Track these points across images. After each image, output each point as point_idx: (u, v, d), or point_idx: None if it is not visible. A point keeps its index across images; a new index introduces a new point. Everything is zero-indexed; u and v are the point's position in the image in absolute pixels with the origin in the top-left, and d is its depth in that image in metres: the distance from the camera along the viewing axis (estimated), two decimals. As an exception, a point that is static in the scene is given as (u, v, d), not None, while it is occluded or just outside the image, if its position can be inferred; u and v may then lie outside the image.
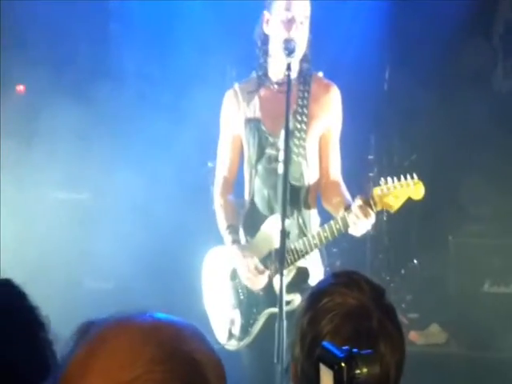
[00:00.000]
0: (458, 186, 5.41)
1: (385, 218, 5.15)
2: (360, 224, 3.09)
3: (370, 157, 5.64)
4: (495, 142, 5.61)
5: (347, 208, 3.16)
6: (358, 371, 1.25)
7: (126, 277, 5.23)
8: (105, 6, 6.18)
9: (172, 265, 5.17)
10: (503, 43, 6.41)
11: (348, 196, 3.35)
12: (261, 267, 3.33)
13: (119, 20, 6.16)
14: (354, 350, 1.28)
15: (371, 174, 5.56)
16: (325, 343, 1.31)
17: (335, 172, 3.46)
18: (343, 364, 1.24)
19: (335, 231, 3.16)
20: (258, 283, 3.35)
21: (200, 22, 5.87)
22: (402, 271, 5.54)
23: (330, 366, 1.26)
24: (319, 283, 1.74)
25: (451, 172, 5.59)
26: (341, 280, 1.66)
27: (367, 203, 3.10)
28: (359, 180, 5.42)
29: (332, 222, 3.17)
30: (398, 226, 5.42)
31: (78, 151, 5.48)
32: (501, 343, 4.88)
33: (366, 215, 3.07)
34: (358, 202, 3.11)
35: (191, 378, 1.04)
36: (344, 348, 1.28)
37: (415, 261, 5.59)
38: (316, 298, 1.64)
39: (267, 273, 3.32)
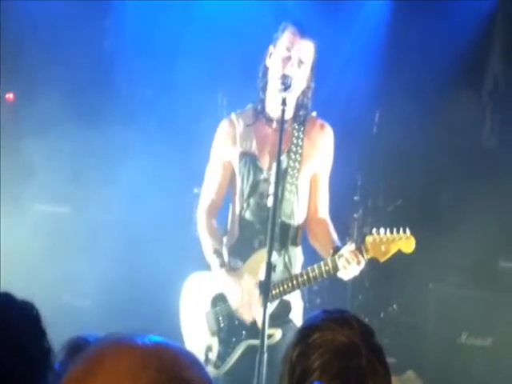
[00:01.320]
0: (442, 234, 5.43)
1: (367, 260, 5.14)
2: (350, 269, 3.12)
3: (356, 198, 5.66)
4: (480, 196, 5.65)
5: (337, 250, 3.19)
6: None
7: (104, 294, 5.15)
8: (101, 24, 6.18)
9: (150, 286, 5.11)
10: (492, 100, 6.52)
11: (335, 236, 3.39)
12: (254, 292, 3.28)
13: (114, 39, 6.17)
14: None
15: (356, 215, 5.59)
16: (316, 383, 1.31)
17: (324, 210, 3.50)
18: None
19: (324, 272, 3.19)
20: (250, 310, 3.31)
21: (194, 49, 5.91)
22: (381, 314, 5.52)
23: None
24: (310, 319, 1.73)
25: (436, 221, 5.61)
26: (332, 317, 1.66)
27: (359, 250, 3.11)
28: (344, 220, 5.43)
29: (322, 263, 3.19)
30: (379, 268, 5.40)
31: (64, 165, 5.41)
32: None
33: (358, 262, 3.12)
34: (351, 247, 3.12)
35: None
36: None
37: (394, 305, 5.58)
38: (306, 332, 1.64)
39: (258, 300, 3.27)
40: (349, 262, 3.11)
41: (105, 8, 6.12)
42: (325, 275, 3.19)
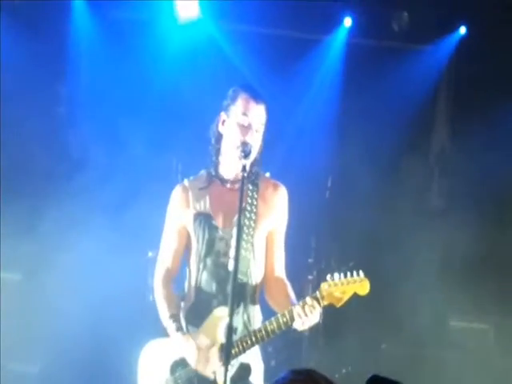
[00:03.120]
0: (393, 295, 5.52)
1: (321, 321, 5.18)
2: (305, 318, 3.17)
3: (310, 260, 5.74)
4: (429, 256, 5.80)
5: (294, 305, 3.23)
6: None
7: (54, 361, 5.04)
8: (55, 90, 6.22)
9: (106, 353, 5.02)
10: (439, 163, 6.75)
11: (293, 295, 3.41)
12: (210, 344, 3.26)
13: (68, 105, 6.22)
14: None
15: (310, 277, 5.65)
16: None
17: (280, 269, 3.51)
18: None
19: (282, 324, 3.20)
20: (209, 366, 3.28)
21: (147, 116, 5.99)
22: (336, 375, 5.53)
23: None
24: (279, 380, 1.71)
25: (387, 282, 5.69)
26: (301, 378, 1.66)
27: (314, 298, 3.17)
28: (299, 281, 5.49)
29: (279, 315, 3.22)
30: (333, 329, 5.45)
31: (17, 231, 5.36)
32: None
33: (312, 310, 3.17)
34: (307, 298, 3.18)
35: None
36: None
37: (349, 367, 5.59)
38: None
39: (217, 354, 3.27)
40: (304, 311, 3.15)
41: (59, 74, 6.19)
42: (283, 327, 3.19)
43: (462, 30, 6.64)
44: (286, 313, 3.20)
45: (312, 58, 6.56)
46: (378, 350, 5.32)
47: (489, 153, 6.03)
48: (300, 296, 5.40)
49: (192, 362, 3.31)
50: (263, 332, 3.23)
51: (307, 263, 5.74)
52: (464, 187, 6.17)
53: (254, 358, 3.35)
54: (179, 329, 3.34)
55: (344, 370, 5.60)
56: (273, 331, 3.22)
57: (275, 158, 3.63)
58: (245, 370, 3.30)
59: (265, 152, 3.51)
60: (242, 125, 3.38)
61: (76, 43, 6.21)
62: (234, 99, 3.43)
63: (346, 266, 5.91)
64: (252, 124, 3.38)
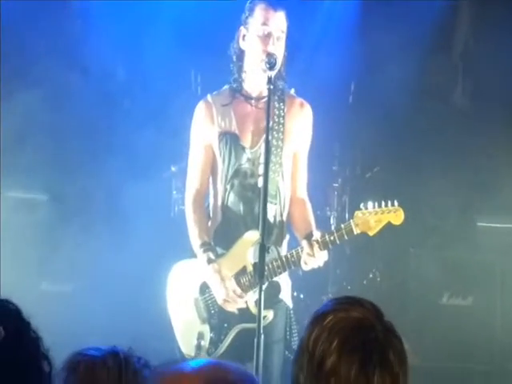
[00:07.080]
0: (420, 198, 5.50)
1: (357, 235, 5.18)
2: (310, 260, 3.20)
3: (334, 167, 5.70)
4: (455, 157, 5.74)
5: (310, 237, 3.23)
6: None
7: (85, 283, 5.13)
8: (69, 5, 6.06)
9: (133, 270, 5.08)
10: (463, 62, 6.58)
11: (311, 218, 3.41)
12: (239, 291, 3.30)
13: (83, 19, 6.08)
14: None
15: (335, 185, 5.62)
16: None
17: (302, 190, 3.49)
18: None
19: (291, 263, 3.25)
20: (234, 306, 3.33)
21: (164, 27, 5.84)
22: (364, 281, 5.59)
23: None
24: (320, 308, 1.69)
25: (413, 185, 5.67)
26: (343, 300, 1.66)
27: (347, 226, 3.19)
28: (324, 190, 5.48)
29: (288, 254, 3.26)
30: (359, 236, 5.47)
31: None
32: (457, 355, 4.98)
33: (315, 255, 3.18)
34: (312, 239, 3.19)
35: None
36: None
37: (377, 272, 5.65)
38: (320, 318, 1.63)
39: (244, 296, 3.30)
40: (312, 251, 3.17)
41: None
42: (292, 266, 3.26)
43: None
44: (294, 253, 3.23)
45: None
46: (406, 253, 5.34)
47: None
48: (325, 205, 5.46)
49: (219, 297, 3.34)
50: (295, 257, 3.25)
51: (331, 171, 5.69)
52: (489, 85, 6.03)
53: (281, 275, 3.35)
54: (210, 261, 3.32)
55: (371, 275, 5.65)
56: (289, 265, 3.26)
57: (295, 67, 3.51)
58: (274, 288, 3.32)
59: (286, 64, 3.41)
60: (263, 35, 3.29)
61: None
62: (251, 11, 3.35)
63: (370, 171, 5.89)
64: (272, 32, 3.29)
